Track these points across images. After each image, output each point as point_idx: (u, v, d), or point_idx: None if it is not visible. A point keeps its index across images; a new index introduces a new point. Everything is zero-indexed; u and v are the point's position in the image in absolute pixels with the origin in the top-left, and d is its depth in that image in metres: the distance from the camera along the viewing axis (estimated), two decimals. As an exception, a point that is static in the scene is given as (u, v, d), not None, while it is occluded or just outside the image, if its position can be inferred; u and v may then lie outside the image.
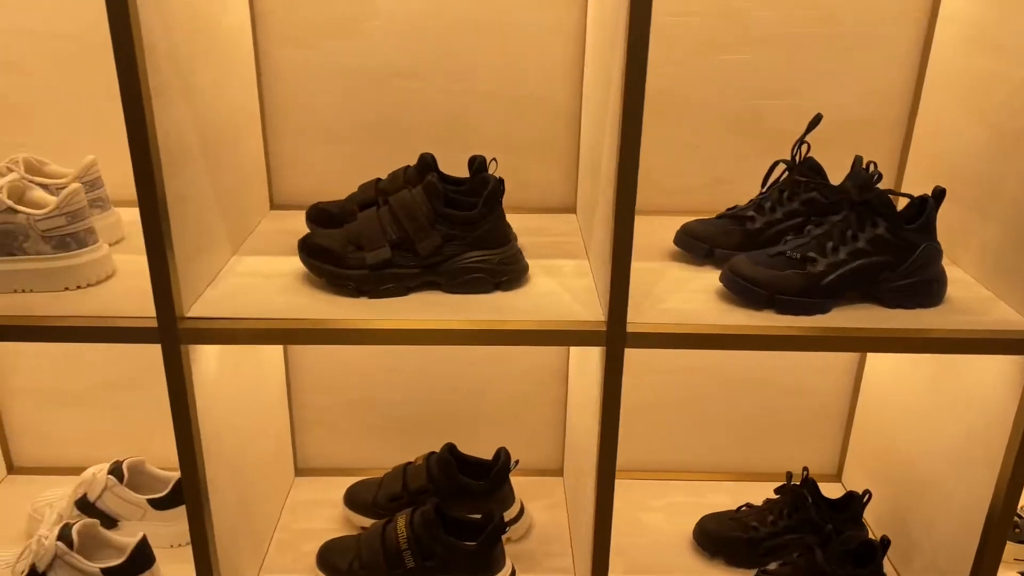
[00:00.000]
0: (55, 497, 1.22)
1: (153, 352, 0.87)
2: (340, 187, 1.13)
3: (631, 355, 0.87)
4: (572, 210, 1.22)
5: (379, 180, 1.07)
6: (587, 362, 1.05)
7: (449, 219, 0.93)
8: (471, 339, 0.87)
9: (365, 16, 1.13)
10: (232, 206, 1.03)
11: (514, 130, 1.19)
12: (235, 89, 1.06)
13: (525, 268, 0.97)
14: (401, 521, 1.11)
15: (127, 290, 0.94)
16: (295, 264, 0.98)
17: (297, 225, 1.12)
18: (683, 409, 1.33)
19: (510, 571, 1.12)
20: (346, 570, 1.11)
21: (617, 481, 0.94)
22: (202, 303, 0.90)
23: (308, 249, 0.94)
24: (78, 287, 0.93)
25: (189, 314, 0.88)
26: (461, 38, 1.14)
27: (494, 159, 1.02)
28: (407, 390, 1.34)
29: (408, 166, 1.05)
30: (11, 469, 1.37)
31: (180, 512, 1.20)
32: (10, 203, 0.90)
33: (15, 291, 0.92)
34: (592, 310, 0.90)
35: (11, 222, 0.90)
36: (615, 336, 0.86)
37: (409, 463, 1.26)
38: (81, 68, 1.14)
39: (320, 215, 1.05)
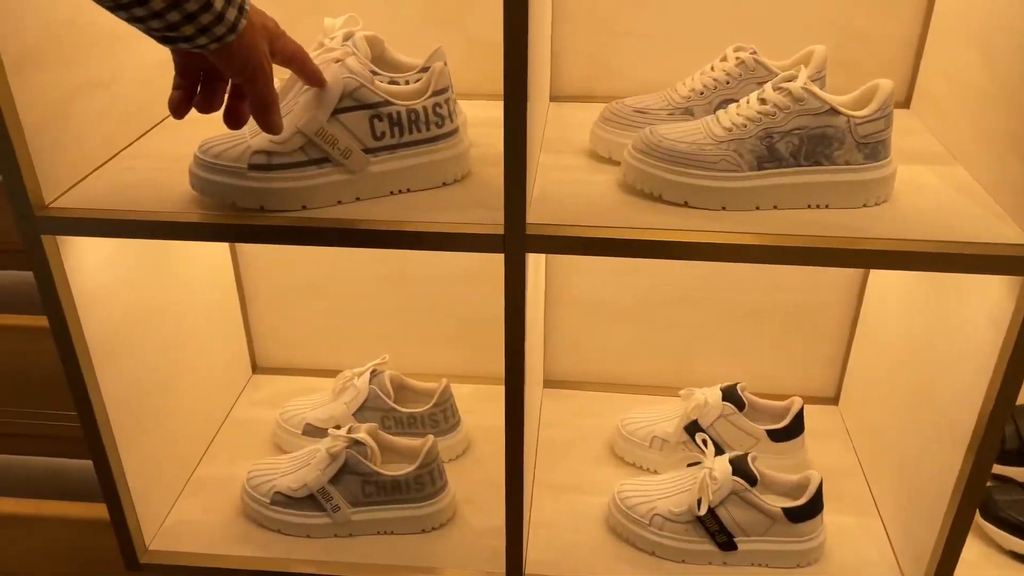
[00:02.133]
0: (660, 416, 1.14)
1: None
2: None
3: None
4: None
5: None
6: None
7: None
8: None
9: None
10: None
11: None
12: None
13: None
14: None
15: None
16: None
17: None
18: None
19: None
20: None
21: None
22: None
23: None
24: (876, 203, 0.80)
25: None
26: None
27: None
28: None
29: None
30: (547, 383, 1.32)
31: (795, 445, 1.11)
32: (832, 103, 0.76)
33: (808, 207, 0.79)
34: None
35: (831, 125, 0.76)
36: None
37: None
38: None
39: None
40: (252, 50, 0.67)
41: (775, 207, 0.79)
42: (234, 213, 0.78)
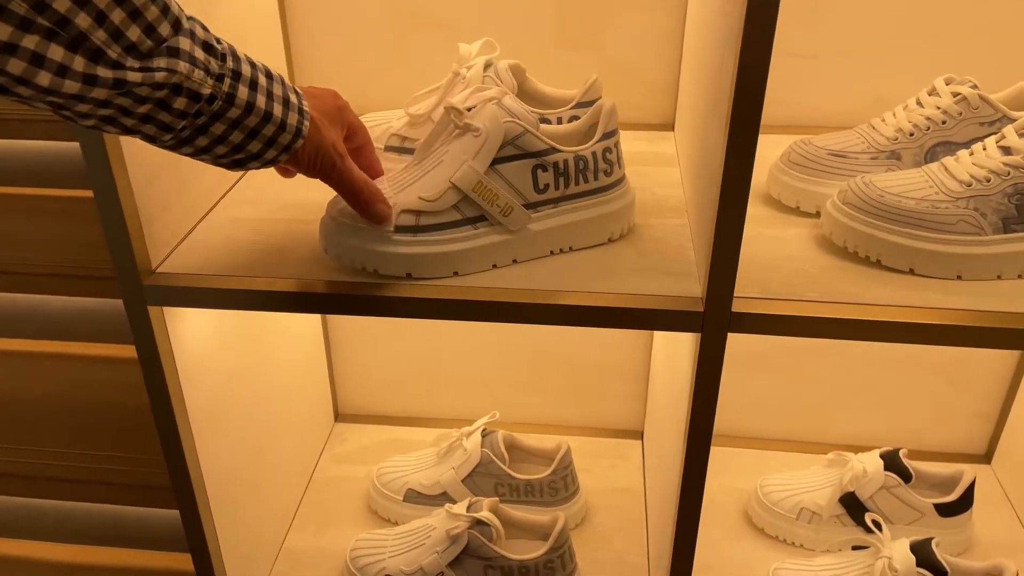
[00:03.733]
0: (807, 484, 1.01)
1: None
2: None
3: None
4: None
5: None
6: None
7: None
8: None
9: None
10: None
11: None
12: None
13: None
14: None
15: None
16: None
17: None
18: None
19: None
20: None
21: None
22: None
23: None
24: None
25: None
26: None
27: None
28: None
29: None
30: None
31: (963, 520, 0.98)
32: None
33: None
34: None
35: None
36: None
37: None
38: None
39: None
40: (318, 148, 0.59)
41: (1020, 276, 0.66)
42: (373, 281, 0.66)
